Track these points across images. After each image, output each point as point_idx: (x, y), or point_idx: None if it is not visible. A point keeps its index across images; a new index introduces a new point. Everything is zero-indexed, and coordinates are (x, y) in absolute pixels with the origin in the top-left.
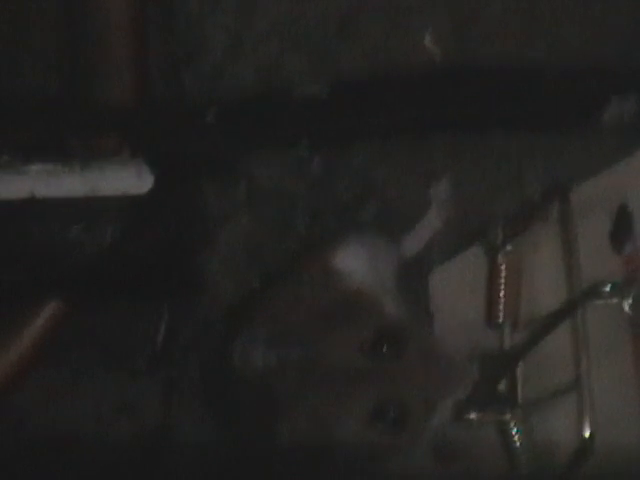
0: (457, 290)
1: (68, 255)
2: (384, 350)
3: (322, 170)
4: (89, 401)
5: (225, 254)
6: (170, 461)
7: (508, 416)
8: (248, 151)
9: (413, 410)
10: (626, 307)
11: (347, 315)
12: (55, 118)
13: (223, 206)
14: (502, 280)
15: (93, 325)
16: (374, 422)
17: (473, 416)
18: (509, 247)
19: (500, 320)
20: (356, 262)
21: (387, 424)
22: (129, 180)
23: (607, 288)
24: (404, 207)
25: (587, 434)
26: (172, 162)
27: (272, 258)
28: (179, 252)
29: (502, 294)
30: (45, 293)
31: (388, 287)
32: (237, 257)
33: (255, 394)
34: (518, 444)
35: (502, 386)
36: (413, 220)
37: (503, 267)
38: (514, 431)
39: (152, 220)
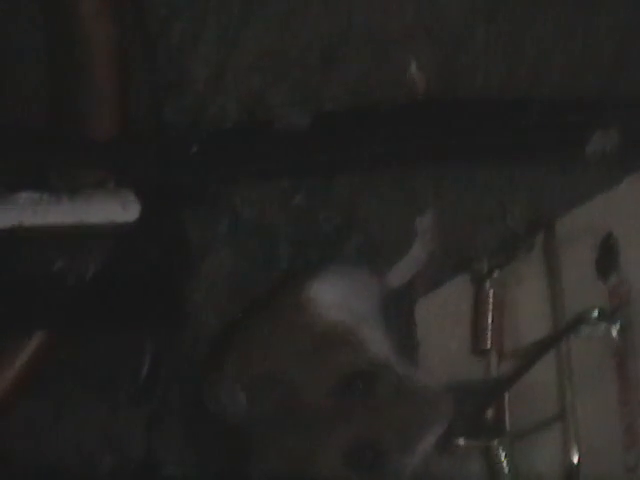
0: (442, 320)
1: (51, 287)
2: (359, 389)
3: (305, 202)
4: (72, 434)
5: (208, 286)
6: None
7: (495, 444)
8: (231, 183)
9: (389, 449)
10: (614, 333)
11: (322, 351)
12: (38, 151)
13: (206, 238)
14: (489, 308)
15: (76, 357)
16: (350, 463)
17: (461, 443)
18: (495, 276)
19: (487, 348)
20: (333, 295)
21: (363, 465)
22: (116, 209)
23: (594, 314)
24: (387, 239)
25: (573, 463)
26: (156, 193)
27: (255, 290)
28: (162, 284)
29: (489, 322)
30: (28, 325)
31: (367, 320)
32: (220, 289)
33: (229, 433)
34: (506, 472)
35: (489, 414)
36: (397, 252)
37: (490, 295)
38: (502, 459)
39: (135, 252)
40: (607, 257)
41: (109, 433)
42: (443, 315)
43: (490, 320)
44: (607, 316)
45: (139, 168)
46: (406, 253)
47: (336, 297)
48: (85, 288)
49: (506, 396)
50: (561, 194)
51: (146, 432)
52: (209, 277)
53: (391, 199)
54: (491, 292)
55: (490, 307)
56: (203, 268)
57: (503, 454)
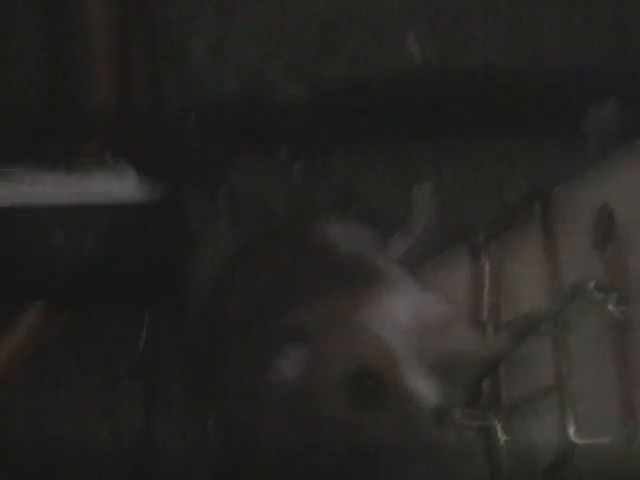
0: (440, 291)
1: (50, 260)
2: None
3: (303, 175)
4: (70, 407)
5: (207, 258)
6: (152, 467)
7: (491, 417)
8: (229, 156)
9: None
10: (611, 304)
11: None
12: (37, 124)
13: (204, 210)
14: (485, 280)
15: (75, 330)
16: (354, 397)
17: (456, 415)
18: (491, 247)
19: (483, 319)
20: (342, 231)
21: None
22: (113, 184)
23: (591, 286)
24: (386, 211)
25: (569, 436)
26: (154, 167)
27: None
28: (162, 257)
29: (485, 294)
30: (27, 297)
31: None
32: (218, 260)
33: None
34: (502, 444)
35: (485, 386)
36: (394, 225)
37: (486, 267)
38: (497, 431)
39: (134, 225)
40: (604, 228)
41: (108, 406)
42: (441, 286)
43: (486, 292)
44: (604, 287)
45: (137, 141)
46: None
47: (343, 236)
48: (83, 261)
49: (502, 369)
50: (558, 167)
51: (145, 404)
52: (208, 249)
53: (389, 172)
54: (487, 264)
55: (486, 279)
56: (202, 240)
57: (499, 426)
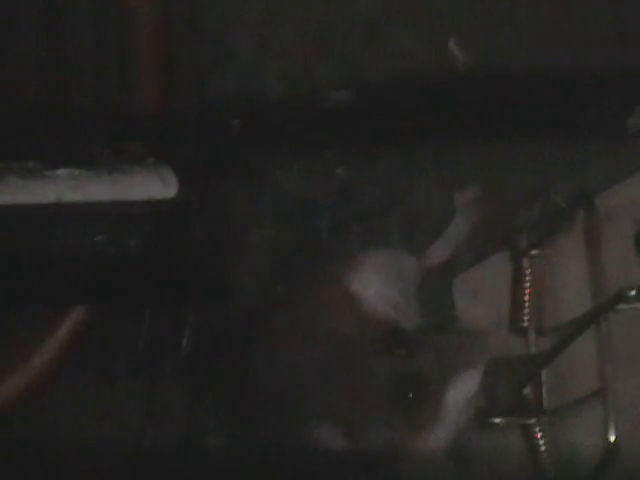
0: (482, 295)
1: (93, 261)
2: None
3: (347, 177)
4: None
5: (250, 260)
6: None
7: (533, 421)
8: (274, 157)
9: (429, 380)
10: None
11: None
12: (81, 124)
13: (248, 212)
14: (527, 285)
15: (119, 331)
16: (393, 399)
17: (498, 421)
18: (534, 252)
19: (525, 325)
20: (374, 286)
21: (405, 399)
22: (155, 185)
23: (633, 292)
24: (429, 215)
25: (612, 440)
26: (198, 168)
27: (296, 265)
28: (204, 257)
29: (527, 299)
30: (70, 299)
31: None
32: (262, 263)
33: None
34: (543, 449)
35: (527, 391)
36: (438, 228)
37: (528, 272)
38: (539, 436)
39: (178, 227)
40: None
41: (150, 410)
42: (484, 290)
43: (528, 297)
44: None
45: (182, 141)
46: (448, 228)
47: (377, 288)
48: (126, 261)
49: (543, 374)
50: (603, 169)
51: (188, 409)
52: (251, 249)
53: (433, 175)
54: (529, 269)
55: (528, 284)
56: (247, 241)
57: (541, 432)
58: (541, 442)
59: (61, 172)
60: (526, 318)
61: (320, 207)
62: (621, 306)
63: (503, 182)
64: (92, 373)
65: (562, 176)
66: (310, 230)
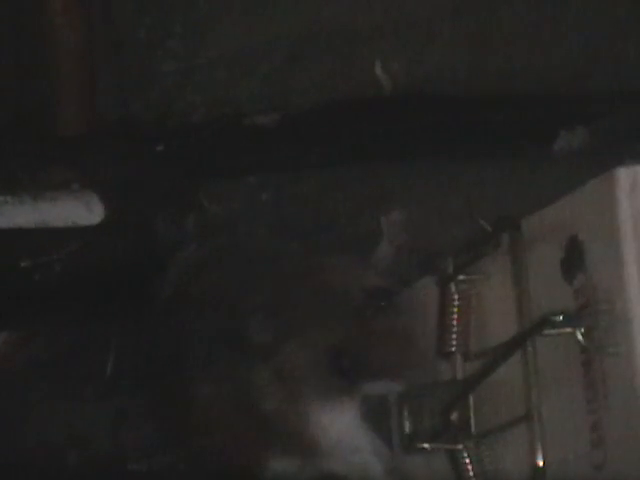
0: (408, 322)
1: (18, 284)
2: None
3: (272, 199)
4: (38, 429)
5: (175, 282)
6: None
7: (461, 446)
8: (198, 180)
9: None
10: (579, 336)
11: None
12: (3, 150)
13: (173, 235)
14: (454, 310)
15: (43, 352)
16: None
17: (425, 445)
18: (461, 277)
19: (452, 350)
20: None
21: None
22: (79, 211)
23: (559, 318)
24: (356, 236)
25: (539, 465)
26: (122, 192)
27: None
28: (129, 281)
29: (454, 324)
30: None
31: None
32: (188, 284)
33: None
34: (471, 475)
35: (454, 416)
36: (364, 249)
37: (455, 297)
38: (467, 461)
39: (102, 249)
40: (572, 258)
41: (75, 428)
42: (409, 317)
43: (455, 322)
44: (572, 320)
45: (106, 165)
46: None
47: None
48: (50, 286)
49: (471, 398)
50: (528, 192)
51: (112, 427)
52: (177, 273)
53: (359, 195)
54: (456, 294)
55: (455, 309)
56: (171, 263)
57: (468, 458)
58: (469, 467)
59: None
60: (453, 343)
61: (247, 231)
62: (547, 331)
63: (428, 204)
64: (15, 395)
65: (486, 199)
66: (237, 253)
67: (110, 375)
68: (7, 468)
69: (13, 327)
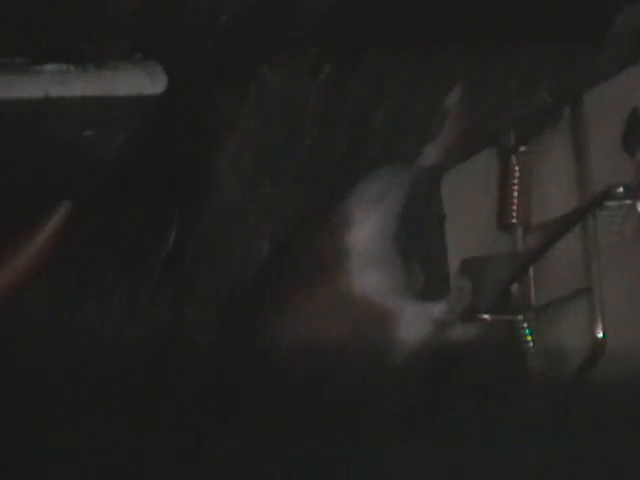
0: (469, 193)
1: (80, 157)
2: None
3: (333, 76)
4: (96, 305)
5: (234, 157)
6: (180, 364)
7: (521, 318)
8: (260, 56)
9: None
10: (639, 209)
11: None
12: (67, 22)
13: (234, 108)
14: (515, 182)
15: (104, 228)
16: None
17: (486, 316)
18: (522, 149)
19: (513, 222)
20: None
21: None
22: (143, 81)
23: (620, 190)
24: (415, 113)
25: (599, 337)
26: (185, 64)
27: (280, 162)
28: (190, 155)
29: (515, 196)
30: (57, 195)
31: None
32: (246, 160)
33: None
34: (530, 346)
35: (515, 288)
36: (424, 129)
37: (516, 169)
38: (526, 333)
39: (163, 124)
40: (634, 132)
41: (134, 306)
42: (472, 187)
43: (516, 194)
44: (633, 192)
45: (168, 39)
46: (434, 129)
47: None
48: (113, 158)
49: (532, 270)
50: (589, 68)
51: (174, 302)
52: (236, 147)
53: (420, 73)
54: (517, 166)
55: (516, 181)
56: (230, 139)
57: (528, 329)
58: (528, 339)
59: (48, 67)
60: (514, 215)
61: (306, 106)
62: (608, 203)
63: (490, 81)
64: (76, 269)
65: (547, 76)
66: (296, 129)
67: (171, 249)
68: (65, 342)
69: (74, 201)
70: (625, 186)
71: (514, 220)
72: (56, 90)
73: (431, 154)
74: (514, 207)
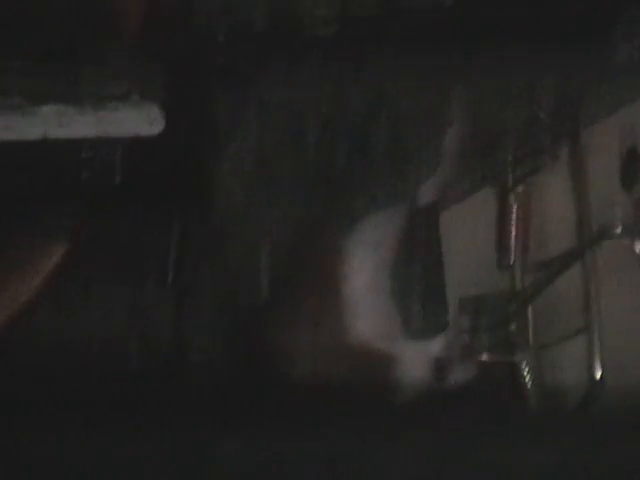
0: (468, 232)
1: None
2: None
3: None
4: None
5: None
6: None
7: (519, 357)
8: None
9: None
10: (637, 249)
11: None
12: (67, 63)
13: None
14: (513, 221)
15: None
16: None
17: (484, 357)
18: (520, 188)
19: (511, 261)
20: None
21: None
22: (140, 123)
23: (618, 229)
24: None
25: (597, 376)
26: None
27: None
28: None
29: (513, 235)
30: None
31: None
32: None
33: None
34: (529, 385)
35: (513, 328)
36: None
37: (514, 208)
38: (525, 372)
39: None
40: (632, 169)
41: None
42: (471, 226)
43: (514, 234)
44: (630, 231)
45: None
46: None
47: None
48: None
49: (529, 311)
50: (589, 104)
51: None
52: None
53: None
54: (515, 207)
55: (513, 221)
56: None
57: (527, 369)
58: (527, 378)
59: (47, 108)
60: (512, 254)
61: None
62: (606, 242)
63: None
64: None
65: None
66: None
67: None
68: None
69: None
70: (623, 225)
71: (512, 259)
72: (54, 131)
73: (428, 193)
74: (512, 246)
